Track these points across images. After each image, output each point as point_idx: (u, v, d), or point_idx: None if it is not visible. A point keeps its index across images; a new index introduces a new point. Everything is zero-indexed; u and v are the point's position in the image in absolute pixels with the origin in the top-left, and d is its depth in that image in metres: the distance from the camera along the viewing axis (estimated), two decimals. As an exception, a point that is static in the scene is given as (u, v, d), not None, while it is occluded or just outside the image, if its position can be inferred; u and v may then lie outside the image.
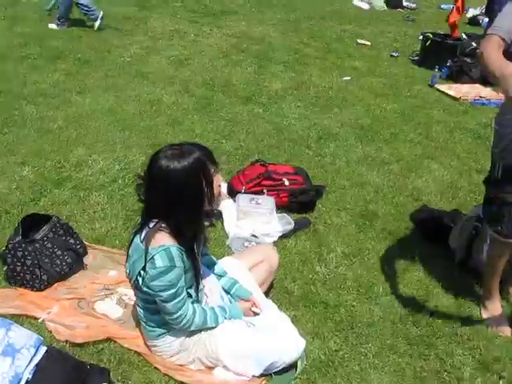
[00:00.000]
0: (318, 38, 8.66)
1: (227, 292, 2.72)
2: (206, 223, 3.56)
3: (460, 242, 3.59)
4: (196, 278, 2.44)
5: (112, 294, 2.93)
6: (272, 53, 7.60)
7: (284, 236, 3.59)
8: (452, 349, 2.88)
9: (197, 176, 2.25)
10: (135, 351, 2.60)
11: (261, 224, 3.58)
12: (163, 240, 2.27)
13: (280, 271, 3.24)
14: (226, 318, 2.52)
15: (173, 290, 2.28)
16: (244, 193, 3.83)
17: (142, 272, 2.30)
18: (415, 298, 3.22)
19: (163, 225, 2.29)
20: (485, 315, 3.14)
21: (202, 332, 2.49)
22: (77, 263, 3.08)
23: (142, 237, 2.31)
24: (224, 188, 4.03)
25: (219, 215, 3.71)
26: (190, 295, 2.43)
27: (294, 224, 3.63)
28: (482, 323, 3.09)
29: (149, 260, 2.25)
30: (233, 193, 3.90)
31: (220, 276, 2.75)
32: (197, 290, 2.47)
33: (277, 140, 4.98)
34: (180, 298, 2.32)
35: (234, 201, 3.80)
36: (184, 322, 2.37)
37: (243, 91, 6.07)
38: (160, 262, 2.24)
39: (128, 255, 2.41)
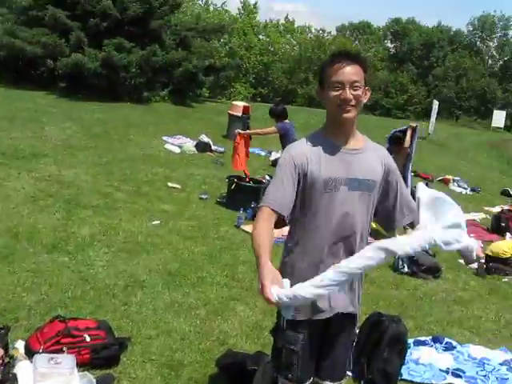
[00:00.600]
0: (129, 181, 8.85)
1: None
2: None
3: (263, 384, 3.69)
4: None
5: None
6: (82, 197, 7.60)
7: (85, 396, 3.46)
8: None
9: None
10: None
11: (60, 385, 3.42)
12: None
13: None
14: None
15: None
16: (42, 352, 3.66)
17: None
18: None
19: None
20: None
21: None
22: None
23: None
24: (21, 347, 3.83)
25: (14, 379, 3.48)
26: None
27: (95, 382, 3.51)
28: None
29: None
30: (31, 353, 3.70)
31: None
32: None
33: (82, 290, 4.87)
34: None
35: (31, 362, 3.60)
36: None
37: (49, 238, 5.94)
38: None
39: None
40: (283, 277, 2.68)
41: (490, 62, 63.65)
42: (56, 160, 9.43)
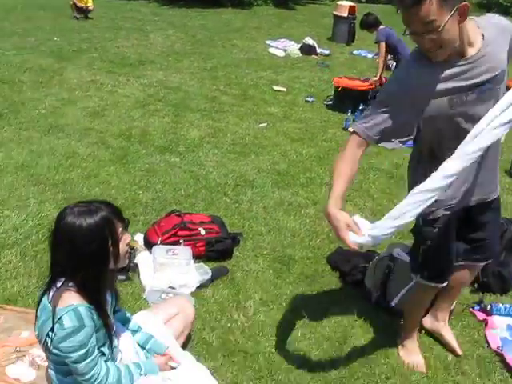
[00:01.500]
0: (234, 85, 8.82)
1: (143, 347, 2.68)
2: (122, 277, 3.52)
3: (374, 281, 3.69)
4: (109, 336, 2.39)
5: (24, 356, 2.82)
6: (189, 101, 7.67)
7: (202, 286, 3.58)
8: (370, 390, 2.94)
9: (102, 234, 2.22)
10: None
11: (178, 275, 3.56)
12: (71, 299, 2.21)
13: (198, 322, 3.22)
14: (141, 375, 2.47)
15: (83, 350, 2.21)
16: (160, 244, 3.81)
17: (50, 333, 2.23)
18: (333, 340, 3.27)
19: (70, 284, 2.25)
20: (402, 353, 3.21)
21: None
22: (-15, 327, 2.96)
23: (50, 297, 2.26)
24: (140, 240, 4.01)
25: (135, 268, 3.66)
26: (103, 353, 2.37)
27: (211, 273, 3.63)
28: (398, 361, 3.16)
29: (57, 321, 2.20)
30: (149, 245, 3.87)
31: (134, 331, 2.70)
32: (110, 348, 2.41)
33: (194, 189, 5.00)
34: (91, 357, 2.26)
35: (150, 253, 3.77)
36: (97, 382, 2.31)
37: (160, 141, 6.08)
38: (68, 322, 2.17)
39: (36, 316, 2.34)
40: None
41: None
42: (162, 66, 9.53)
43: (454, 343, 3.28)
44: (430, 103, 2.42)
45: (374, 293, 3.66)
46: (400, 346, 3.25)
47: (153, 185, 5.00)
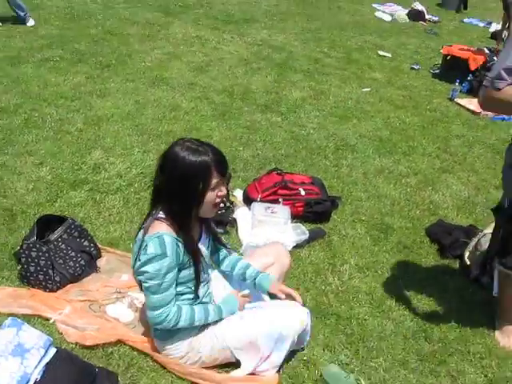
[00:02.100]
0: (338, 48, 8.64)
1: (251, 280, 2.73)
2: (220, 231, 3.57)
3: (475, 258, 3.56)
4: (196, 274, 2.42)
5: (123, 297, 2.93)
6: (292, 62, 7.59)
7: (298, 246, 3.58)
8: (464, 367, 2.85)
9: (197, 177, 2.28)
10: (145, 356, 2.60)
11: (275, 233, 3.56)
12: (159, 228, 2.29)
13: (293, 281, 3.23)
14: (220, 317, 2.51)
15: (158, 281, 2.28)
16: (259, 201, 3.82)
17: (137, 261, 2.32)
18: (428, 314, 3.19)
19: (161, 214, 2.32)
20: (498, 334, 3.10)
21: (206, 330, 2.50)
22: (90, 266, 3.09)
23: (143, 229, 2.35)
24: (240, 195, 4.04)
25: (233, 223, 3.70)
26: (188, 293, 2.44)
27: (308, 234, 3.62)
28: (495, 342, 3.05)
29: (143, 247, 2.28)
30: (248, 201, 3.90)
31: (232, 270, 2.77)
32: (197, 286, 2.45)
33: (294, 149, 4.97)
34: (166, 293, 2.31)
35: (249, 209, 3.79)
36: (165, 322, 2.35)
37: (262, 99, 6.07)
38: (152, 248, 2.25)
39: (133, 252, 2.42)
40: None
41: None
42: (266, 25, 9.47)
43: None
44: None
45: (474, 270, 3.53)
46: (497, 328, 3.13)
47: (253, 142, 5.01)
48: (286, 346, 2.50)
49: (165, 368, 2.55)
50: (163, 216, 2.32)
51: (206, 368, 2.54)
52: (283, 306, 2.64)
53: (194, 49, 7.64)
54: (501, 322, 3.13)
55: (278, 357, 2.52)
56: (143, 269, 2.28)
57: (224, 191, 2.42)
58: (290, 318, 2.53)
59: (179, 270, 2.35)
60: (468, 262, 3.61)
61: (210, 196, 2.34)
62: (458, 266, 3.66)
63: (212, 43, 7.99)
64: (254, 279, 2.70)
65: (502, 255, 2.85)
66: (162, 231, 2.27)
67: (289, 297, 2.68)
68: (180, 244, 2.31)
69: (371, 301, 3.22)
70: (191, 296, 2.45)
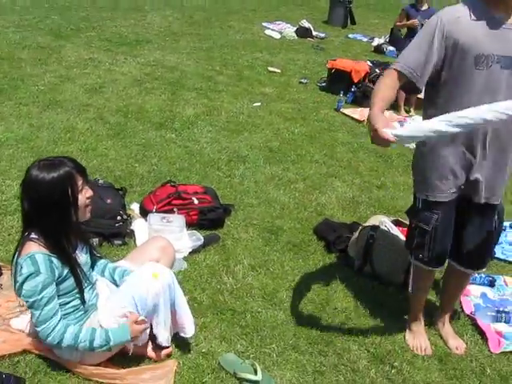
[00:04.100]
0: (230, 65, 8.98)
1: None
2: (119, 242, 3.73)
3: (357, 250, 3.90)
4: (78, 285, 2.56)
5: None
6: (185, 80, 7.83)
7: (194, 251, 3.79)
8: (349, 345, 3.16)
9: (62, 187, 2.42)
10: (51, 362, 2.71)
11: (172, 241, 3.73)
12: (30, 248, 2.42)
13: (189, 283, 3.44)
14: (107, 343, 2.54)
15: (36, 297, 2.40)
16: (155, 212, 4.01)
17: (16, 284, 2.46)
18: (316, 302, 3.49)
19: (33, 235, 2.46)
20: (408, 336, 3.30)
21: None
22: (-9, 284, 3.16)
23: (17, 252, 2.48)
24: (136, 209, 4.21)
25: (131, 234, 3.87)
26: (73, 303, 2.56)
27: (203, 240, 3.84)
28: (376, 323, 3.38)
29: (18, 270, 2.42)
30: (145, 213, 4.07)
31: (102, 274, 2.90)
32: (81, 293, 2.59)
33: (188, 163, 5.18)
34: (48, 307, 2.43)
35: (146, 220, 3.97)
36: (50, 337, 2.45)
37: (156, 118, 6.25)
38: (25, 268, 2.39)
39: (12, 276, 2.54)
40: (422, 168, 2.76)
41: None
42: (159, 46, 9.68)
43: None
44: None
45: (357, 260, 3.88)
46: (407, 329, 3.33)
47: (149, 158, 5.18)
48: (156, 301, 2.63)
49: (71, 371, 2.68)
50: (35, 236, 2.45)
51: (109, 360, 2.69)
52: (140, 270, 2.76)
53: (87, 71, 7.71)
54: (409, 321, 3.34)
55: (163, 316, 2.69)
56: (21, 288, 2.42)
57: (90, 192, 2.57)
58: (139, 279, 2.67)
59: (60, 283, 2.49)
60: (351, 255, 3.95)
61: (81, 200, 2.50)
62: (342, 258, 3.99)
63: (105, 65, 8.08)
64: (122, 278, 2.84)
65: (415, 252, 3.06)
66: (33, 251, 2.40)
67: None
68: (54, 259, 2.44)
69: (264, 295, 3.47)
70: (78, 302, 2.59)
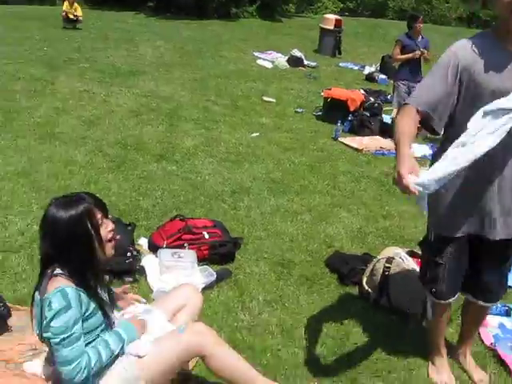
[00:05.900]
0: (224, 95, 8.98)
1: None
2: (129, 279, 3.63)
3: (372, 283, 3.83)
4: (105, 317, 2.47)
5: (40, 353, 2.91)
6: (181, 111, 7.81)
7: (207, 287, 3.70)
8: (373, 381, 3.07)
9: (82, 223, 2.35)
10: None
11: (184, 277, 3.66)
12: (59, 283, 2.31)
13: (206, 321, 3.29)
14: (122, 341, 2.48)
15: (69, 333, 2.28)
16: (165, 247, 3.92)
17: (44, 320, 2.31)
18: (336, 338, 3.39)
19: (57, 271, 2.35)
20: (431, 371, 3.20)
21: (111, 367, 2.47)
22: (1, 326, 3.05)
23: (40, 291, 2.36)
24: (145, 244, 4.12)
25: (141, 271, 3.77)
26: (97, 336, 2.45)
27: (216, 275, 3.75)
28: (397, 355, 3.29)
29: (47, 305, 2.29)
30: (154, 248, 3.98)
31: None
32: (108, 328, 2.49)
33: (193, 196, 5.12)
34: (78, 343, 2.30)
35: (156, 256, 3.88)
36: (80, 373, 2.30)
37: (156, 149, 6.20)
38: (56, 303, 2.27)
39: (32, 315, 2.43)
40: (435, 204, 2.69)
41: None
42: (153, 77, 9.68)
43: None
44: None
45: (372, 293, 3.81)
46: (429, 363, 3.23)
47: (152, 192, 5.11)
48: None
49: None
50: (60, 272, 2.35)
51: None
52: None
53: (82, 103, 7.67)
54: (431, 355, 3.23)
55: None
56: (51, 324, 2.28)
57: (111, 225, 2.50)
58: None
59: (85, 320, 2.38)
60: (366, 287, 3.88)
61: (103, 234, 2.42)
62: (357, 291, 3.92)
63: (100, 96, 8.06)
64: None
65: (428, 285, 2.98)
66: (63, 284, 2.30)
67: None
68: (81, 293, 2.35)
69: (282, 332, 3.38)
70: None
